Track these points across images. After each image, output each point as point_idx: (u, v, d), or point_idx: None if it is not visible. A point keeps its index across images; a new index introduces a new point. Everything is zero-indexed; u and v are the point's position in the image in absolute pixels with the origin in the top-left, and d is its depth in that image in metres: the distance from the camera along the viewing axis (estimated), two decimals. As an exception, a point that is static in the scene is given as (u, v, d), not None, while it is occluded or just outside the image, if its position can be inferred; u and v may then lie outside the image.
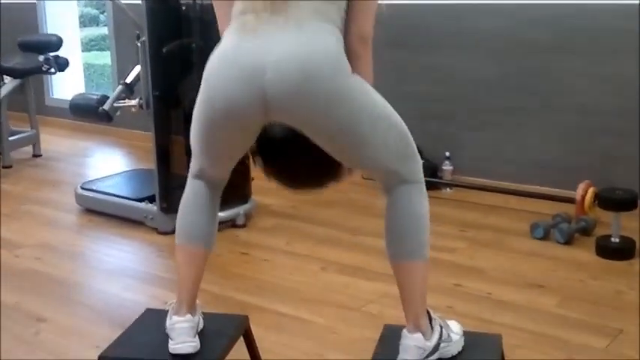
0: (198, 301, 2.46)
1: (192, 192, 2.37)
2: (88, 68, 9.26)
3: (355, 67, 2.10)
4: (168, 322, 2.38)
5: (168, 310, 2.49)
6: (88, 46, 10.12)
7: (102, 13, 10.31)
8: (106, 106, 4.03)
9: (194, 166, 2.37)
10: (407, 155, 2.24)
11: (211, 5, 3.89)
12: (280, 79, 1.96)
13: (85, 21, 10.33)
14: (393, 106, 2.23)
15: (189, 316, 2.36)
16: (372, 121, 2.10)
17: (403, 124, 2.24)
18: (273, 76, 1.96)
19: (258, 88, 1.98)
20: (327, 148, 2.11)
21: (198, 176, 2.38)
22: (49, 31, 6.54)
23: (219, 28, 2.27)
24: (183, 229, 2.40)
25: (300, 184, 2.37)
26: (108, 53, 7.74)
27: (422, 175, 2.29)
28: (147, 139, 4.17)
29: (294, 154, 2.20)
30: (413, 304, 2.30)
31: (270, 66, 1.96)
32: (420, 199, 2.27)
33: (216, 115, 2.08)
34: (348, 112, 2.03)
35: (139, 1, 3.82)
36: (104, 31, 9.97)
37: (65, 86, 6.66)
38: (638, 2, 3.80)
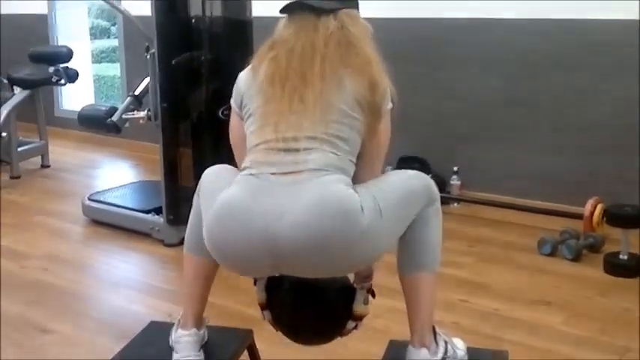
0: (205, 315, 2.46)
1: (198, 209, 2.37)
2: (98, 80, 9.30)
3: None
4: (173, 335, 2.37)
5: (172, 323, 2.48)
6: (99, 57, 10.17)
7: (113, 25, 10.35)
8: (115, 118, 4.05)
9: (199, 191, 2.38)
10: (422, 199, 2.28)
11: (220, 18, 3.96)
12: (291, 244, 1.98)
13: (96, 33, 10.38)
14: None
15: (194, 330, 2.36)
16: (390, 229, 2.15)
17: (404, 179, 2.28)
18: (285, 242, 1.98)
19: (270, 252, 2.01)
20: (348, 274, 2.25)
21: None
22: (60, 43, 6.57)
23: (238, 165, 2.28)
24: (192, 239, 2.40)
25: (308, 340, 2.40)
26: (117, 65, 7.78)
27: (437, 192, 2.31)
28: (155, 150, 4.18)
29: (303, 311, 2.27)
30: (419, 319, 2.30)
31: (282, 233, 1.98)
32: (435, 216, 2.29)
33: (225, 259, 2.15)
34: (366, 250, 2.07)
35: (149, 14, 3.83)
36: (114, 43, 10.01)
37: (75, 97, 6.68)
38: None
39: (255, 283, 2.36)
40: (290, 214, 1.98)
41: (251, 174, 2.08)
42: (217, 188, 2.17)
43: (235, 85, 2.29)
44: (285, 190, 2.02)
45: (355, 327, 2.35)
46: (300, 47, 2.13)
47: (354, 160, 2.15)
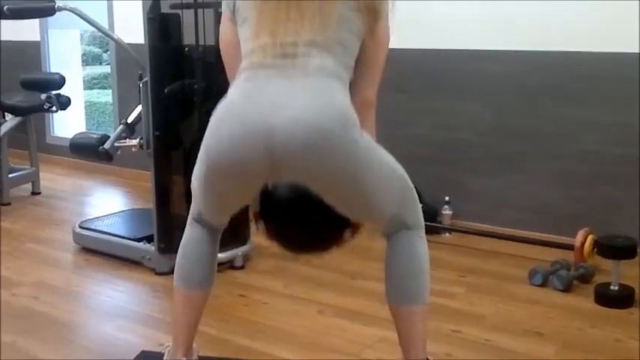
0: (195, 344, 2.46)
1: (192, 235, 2.39)
2: (90, 106, 9.31)
3: (363, 116, 2.12)
4: (164, 365, 2.37)
5: (163, 353, 2.48)
6: (90, 84, 10.20)
7: (105, 52, 10.39)
8: (107, 146, 4.04)
9: (194, 208, 2.39)
10: (410, 200, 2.27)
11: (213, 47, 3.97)
12: (289, 143, 1.95)
13: (88, 59, 10.41)
14: (393, 150, 2.26)
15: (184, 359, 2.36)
16: (379, 175, 2.13)
17: (404, 171, 2.27)
18: (282, 141, 1.95)
19: (267, 148, 1.97)
20: (333, 202, 2.11)
21: (198, 220, 2.39)
22: (52, 69, 6.59)
23: (228, 73, 2.28)
24: (181, 271, 2.41)
25: (302, 248, 2.37)
26: (109, 91, 7.78)
27: (422, 219, 2.32)
28: (146, 178, 4.18)
29: (297, 219, 2.20)
30: (413, 350, 2.30)
31: (280, 127, 1.95)
32: (420, 244, 2.31)
33: (221, 169, 2.09)
34: (356, 169, 2.05)
35: (142, 42, 3.84)
36: (106, 69, 10.05)
37: (66, 124, 6.68)
38: (638, 52, 3.82)
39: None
40: (289, 110, 1.96)
41: (247, 78, 2.06)
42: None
43: None
44: (284, 90, 2.00)
45: (352, 236, 2.29)
46: None
47: (352, 63, 2.13)
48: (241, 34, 2.18)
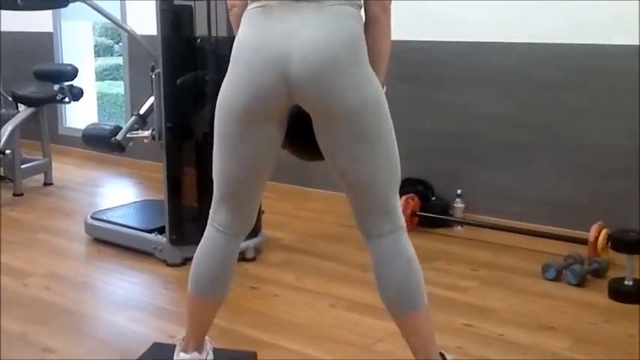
0: (207, 337, 2.45)
1: (211, 243, 2.34)
2: (101, 97, 9.34)
3: (375, 32, 2.18)
4: (175, 358, 2.37)
5: (174, 345, 2.48)
6: (102, 75, 10.24)
7: (117, 43, 10.42)
8: (119, 137, 4.05)
9: (215, 208, 2.35)
10: (396, 183, 2.25)
11: (226, 38, 3.96)
12: (303, 65, 2.03)
13: (100, 50, 10.45)
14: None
15: (195, 353, 2.36)
16: (380, 116, 2.17)
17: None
18: (297, 63, 2.04)
19: (283, 73, 2.05)
20: (336, 142, 2.17)
21: (218, 223, 2.34)
22: (65, 60, 6.60)
23: (233, 13, 2.29)
24: (196, 278, 2.38)
25: (317, 154, 2.32)
26: (121, 83, 7.80)
27: (402, 217, 2.30)
28: (158, 169, 4.17)
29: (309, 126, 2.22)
30: (423, 351, 2.29)
31: (295, 53, 2.04)
32: (408, 245, 2.28)
33: (244, 100, 2.13)
34: (362, 99, 2.10)
35: (154, 33, 3.84)
36: (118, 60, 10.07)
37: (78, 115, 6.70)
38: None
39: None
40: (301, 35, 2.05)
41: (259, 13, 2.12)
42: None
43: None
44: (296, 17, 2.07)
45: None
46: None
47: None
48: None
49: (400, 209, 2.30)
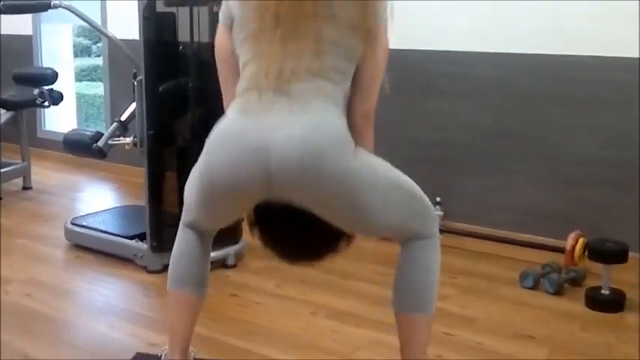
0: (191, 347, 2.47)
1: (184, 240, 2.39)
2: (79, 98, 9.27)
3: (356, 141, 2.13)
4: (159, 369, 2.38)
5: (157, 355, 2.49)
6: (80, 76, 10.16)
7: (95, 43, 10.35)
8: (101, 143, 4.03)
9: (186, 216, 2.39)
10: (419, 212, 2.28)
11: (208, 45, 3.97)
12: (284, 161, 1.98)
13: (77, 51, 10.36)
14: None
15: (181, 365, 2.36)
16: (375, 191, 2.12)
17: (411, 182, 2.28)
18: (278, 158, 1.98)
19: (263, 168, 2.00)
20: (329, 219, 2.13)
21: (189, 226, 2.39)
22: (44, 62, 6.57)
23: (224, 101, 2.30)
24: (175, 275, 2.42)
25: (296, 256, 2.38)
26: (99, 84, 7.75)
27: (436, 228, 2.34)
28: (138, 174, 4.18)
29: (293, 227, 2.21)
30: (412, 357, 2.31)
31: (275, 147, 1.98)
32: (434, 255, 2.32)
33: (217, 190, 2.11)
34: (351, 188, 2.05)
35: (136, 37, 3.83)
36: (96, 61, 10.01)
37: (57, 117, 6.65)
38: (635, 56, 3.84)
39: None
40: (284, 130, 1.99)
41: (245, 101, 2.09)
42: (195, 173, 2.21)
43: (224, 4, 2.27)
44: (280, 110, 2.03)
45: (347, 244, 2.32)
46: None
47: (348, 86, 2.16)
48: (239, 54, 2.20)
49: (428, 220, 2.32)
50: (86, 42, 10.89)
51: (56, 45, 6.83)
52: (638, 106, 3.86)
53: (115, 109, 5.78)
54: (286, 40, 2.07)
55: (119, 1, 5.70)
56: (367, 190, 2.08)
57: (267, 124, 2.01)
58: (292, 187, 2.03)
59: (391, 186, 2.19)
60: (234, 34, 2.21)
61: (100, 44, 7.11)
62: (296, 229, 2.21)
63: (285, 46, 2.07)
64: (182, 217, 2.43)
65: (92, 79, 10.43)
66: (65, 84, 6.23)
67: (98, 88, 8.95)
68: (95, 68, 10.17)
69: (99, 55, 8.00)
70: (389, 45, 2.28)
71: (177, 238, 2.45)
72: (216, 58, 2.35)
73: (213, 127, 2.15)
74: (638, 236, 3.84)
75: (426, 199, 2.34)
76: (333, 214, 2.12)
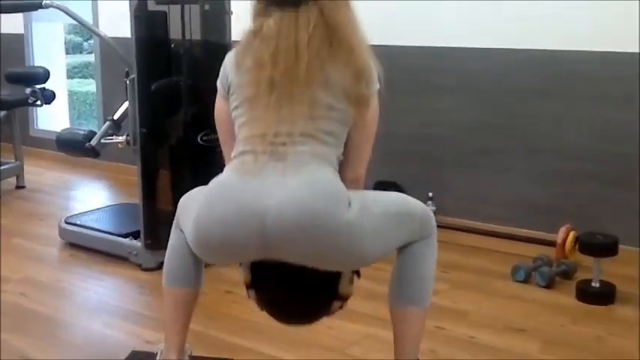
0: (187, 344, 2.49)
1: (178, 238, 2.42)
2: (71, 95, 9.25)
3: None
4: (156, 367, 2.40)
5: (153, 353, 2.51)
6: (71, 73, 10.13)
7: (86, 40, 10.33)
8: (94, 142, 4.05)
9: (178, 221, 2.41)
10: (417, 227, 2.32)
11: (200, 43, 3.99)
12: (280, 225, 2.01)
13: (69, 48, 10.33)
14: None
15: (177, 361, 2.39)
16: (375, 231, 2.16)
17: (403, 199, 2.33)
18: (274, 222, 2.01)
19: (258, 232, 2.03)
20: (329, 269, 2.19)
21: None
22: (36, 61, 6.58)
23: (222, 145, 2.38)
24: (169, 272, 2.45)
25: (291, 318, 2.42)
26: (91, 80, 7.73)
27: (434, 227, 2.37)
28: (129, 171, 4.20)
29: (288, 291, 2.27)
30: (405, 351, 2.35)
31: (271, 210, 2.01)
32: (431, 251, 2.36)
33: (212, 247, 2.16)
34: (349, 240, 2.09)
35: (128, 35, 3.84)
36: (88, 58, 9.99)
37: (50, 115, 6.65)
38: (628, 50, 3.88)
39: (240, 264, 2.36)
40: (278, 191, 2.02)
41: (241, 162, 2.12)
42: (193, 203, 2.21)
43: (222, 68, 2.32)
44: (275, 172, 2.06)
45: (340, 307, 2.36)
46: (283, 47, 2.14)
47: (341, 151, 2.20)
48: (235, 117, 2.25)
49: (425, 225, 2.36)
50: (78, 39, 10.87)
51: (48, 43, 6.82)
52: (638, 101, 3.89)
53: (108, 107, 5.79)
54: (281, 104, 2.12)
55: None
56: (365, 235, 2.12)
57: (262, 188, 2.05)
58: (288, 248, 2.07)
59: (388, 218, 2.21)
60: (231, 99, 2.27)
61: (91, 41, 7.11)
62: (291, 292, 2.26)
63: (279, 111, 2.12)
64: (174, 220, 2.45)
65: (84, 76, 10.41)
66: (57, 82, 6.22)
67: (90, 86, 8.92)
68: (87, 65, 10.15)
69: (91, 52, 7.99)
70: (378, 113, 2.35)
71: (171, 235, 2.47)
72: (216, 126, 2.41)
73: (212, 181, 2.19)
74: (630, 229, 3.88)
75: (420, 206, 2.38)
76: (330, 265, 2.17)
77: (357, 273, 2.39)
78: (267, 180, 2.05)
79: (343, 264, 2.20)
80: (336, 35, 2.17)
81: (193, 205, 2.21)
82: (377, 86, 2.27)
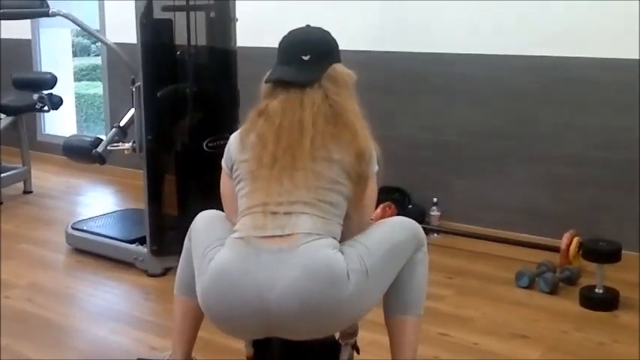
0: (193, 354, 2.52)
1: (189, 251, 2.44)
2: (78, 98, 9.28)
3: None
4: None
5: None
6: (79, 75, 10.16)
7: (94, 42, 10.37)
8: (100, 149, 4.07)
9: (190, 234, 2.45)
10: (409, 247, 2.35)
11: (205, 49, 4.02)
12: (283, 311, 2.09)
13: (76, 51, 10.36)
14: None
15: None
16: (378, 283, 2.26)
17: (394, 227, 2.40)
18: (277, 310, 2.09)
19: (262, 319, 2.12)
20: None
21: None
22: (43, 65, 6.62)
23: (228, 218, 2.42)
24: (181, 281, 2.48)
25: None
26: (98, 83, 7.75)
27: (424, 238, 2.40)
28: (137, 176, 4.22)
29: None
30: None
31: (274, 301, 2.08)
32: (421, 261, 2.38)
33: (219, 325, 2.26)
34: (351, 312, 2.19)
35: (134, 41, 3.87)
36: (95, 61, 10.02)
37: (57, 120, 6.68)
38: (623, 57, 3.89)
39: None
40: (281, 283, 2.08)
41: (240, 237, 2.17)
42: (208, 240, 2.25)
43: (227, 148, 2.40)
44: (275, 259, 2.11)
45: None
46: (287, 124, 2.22)
47: (342, 221, 2.25)
48: (238, 190, 2.31)
49: (416, 239, 2.39)
50: (85, 41, 10.91)
51: (55, 47, 6.85)
52: (639, 107, 3.90)
53: (115, 110, 5.81)
54: (282, 176, 2.18)
55: (117, 0, 5.72)
56: (368, 295, 2.20)
57: (263, 275, 2.10)
58: (291, 331, 2.17)
59: (387, 259, 2.28)
60: (234, 175, 2.34)
61: (99, 43, 7.12)
62: None
63: (281, 183, 2.18)
64: (188, 234, 2.47)
65: (92, 79, 10.43)
66: (64, 86, 6.25)
67: (97, 88, 8.96)
68: (95, 68, 10.18)
69: (98, 55, 8.02)
70: (376, 194, 2.41)
71: (183, 248, 2.50)
72: (222, 201, 2.47)
73: (215, 257, 2.22)
74: (633, 235, 3.89)
75: (408, 225, 2.42)
76: (332, 332, 2.34)
77: (357, 349, 2.50)
78: (268, 269, 2.09)
79: (349, 323, 2.31)
80: (340, 117, 2.25)
81: (200, 269, 2.26)
82: (376, 168, 2.32)
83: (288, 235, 2.12)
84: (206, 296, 2.20)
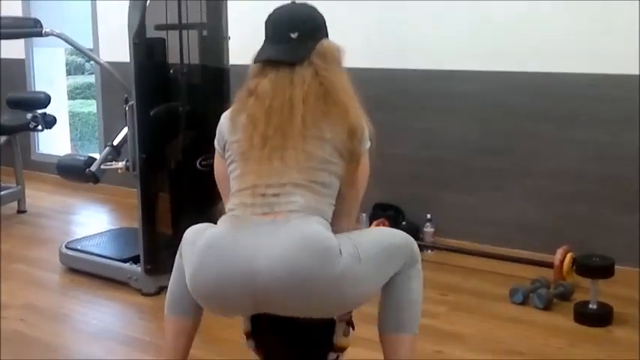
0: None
1: (179, 270, 2.43)
2: (73, 116, 9.28)
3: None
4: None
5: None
6: (73, 94, 10.16)
7: (87, 61, 10.38)
8: (93, 168, 4.07)
9: (180, 252, 2.44)
10: (401, 256, 2.35)
11: (198, 68, 4.02)
12: (270, 282, 2.07)
13: (71, 69, 10.37)
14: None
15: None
16: (365, 279, 2.22)
17: (387, 235, 2.41)
18: (264, 280, 2.07)
19: (250, 288, 2.10)
20: (326, 317, 2.31)
21: None
22: (37, 83, 6.62)
23: (223, 199, 2.44)
24: (172, 300, 2.47)
25: None
26: (92, 101, 7.75)
27: (418, 256, 2.40)
28: (130, 195, 4.22)
29: (285, 342, 2.36)
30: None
31: (261, 270, 2.07)
32: (415, 277, 2.38)
33: (208, 303, 2.26)
34: (339, 294, 2.15)
35: (127, 60, 3.87)
36: (89, 79, 10.03)
37: (51, 139, 6.68)
38: (622, 72, 3.92)
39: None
40: (269, 251, 2.07)
41: (233, 215, 2.17)
42: (193, 249, 2.25)
43: (218, 129, 2.39)
44: (265, 229, 2.11)
45: (337, 358, 2.41)
46: (278, 104, 2.22)
47: (334, 201, 2.25)
48: (230, 172, 2.32)
49: (410, 253, 2.38)
50: (79, 60, 10.93)
51: (49, 66, 6.86)
52: (637, 123, 3.91)
53: (109, 128, 5.81)
54: (273, 157, 2.18)
55: (110, 20, 5.75)
56: (357, 282, 2.17)
57: (253, 246, 2.10)
58: (279, 304, 2.14)
59: (378, 258, 2.27)
60: (226, 156, 2.35)
61: (93, 62, 7.13)
62: (289, 344, 2.36)
63: (271, 164, 2.18)
64: (178, 253, 2.47)
65: (86, 97, 10.45)
66: (58, 105, 6.25)
67: (92, 106, 8.96)
68: (89, 86, 10.19)
69: (92, 73, 8.03)
70: (368, 171, 2.40)
71: (174, 266, 2.49)
72: (215, 179, 2.48)
73: (206, 233, 2.23)
74: (626, 250, 3.90)
75: (402, 237, 2.42)
76: (325, 314, 2.27)
77: (352, 325, 2.45)
78: (258, 239, 2.10)
79: (338, 310, 2.29)
80: (331, 95, 2.24)
81: (191, 255, 2.25)
82: (368, 144, 2.33)
83: (280, 212, 2.13)
84: (194, 271, 2.18)
